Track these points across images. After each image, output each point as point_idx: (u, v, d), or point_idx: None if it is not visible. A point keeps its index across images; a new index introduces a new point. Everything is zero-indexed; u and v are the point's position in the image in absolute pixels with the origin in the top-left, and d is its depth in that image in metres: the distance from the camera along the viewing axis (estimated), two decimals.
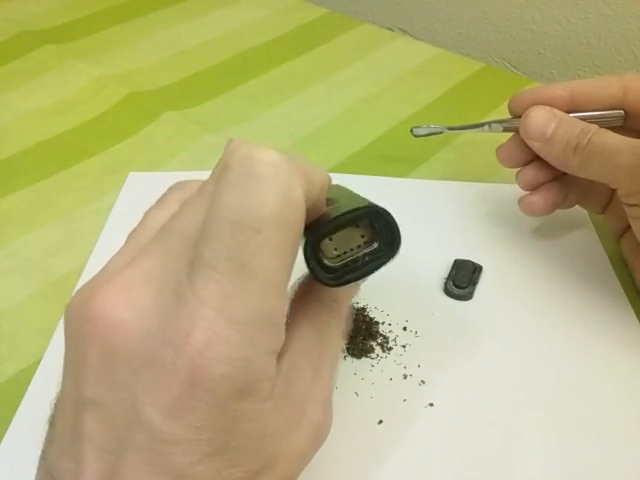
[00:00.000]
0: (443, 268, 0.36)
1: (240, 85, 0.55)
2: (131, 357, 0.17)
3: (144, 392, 0.17)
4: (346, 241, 0.21)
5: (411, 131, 0.36)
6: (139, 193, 0.41)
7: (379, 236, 0.21)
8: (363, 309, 0.34)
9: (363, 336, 0.32)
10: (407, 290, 0.35)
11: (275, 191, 0.17)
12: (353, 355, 0.32)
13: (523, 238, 0.38)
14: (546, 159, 0.33)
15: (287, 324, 0.21)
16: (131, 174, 0.44)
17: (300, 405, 0.20)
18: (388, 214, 0.20)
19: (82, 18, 0.66)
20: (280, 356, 0.20)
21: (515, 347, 0.32)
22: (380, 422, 0.29)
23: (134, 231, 0.22)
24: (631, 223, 0.32)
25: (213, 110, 0.52)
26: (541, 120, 0.32)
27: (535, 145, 0.33)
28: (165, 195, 0.23)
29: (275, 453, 0.19)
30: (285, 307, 0.18)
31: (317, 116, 0.51)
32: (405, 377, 0.31)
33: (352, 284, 0.21)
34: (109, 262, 0.20)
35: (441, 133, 0.36)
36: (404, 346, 0.32)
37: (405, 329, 0.33)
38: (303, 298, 0.22)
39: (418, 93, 0.53)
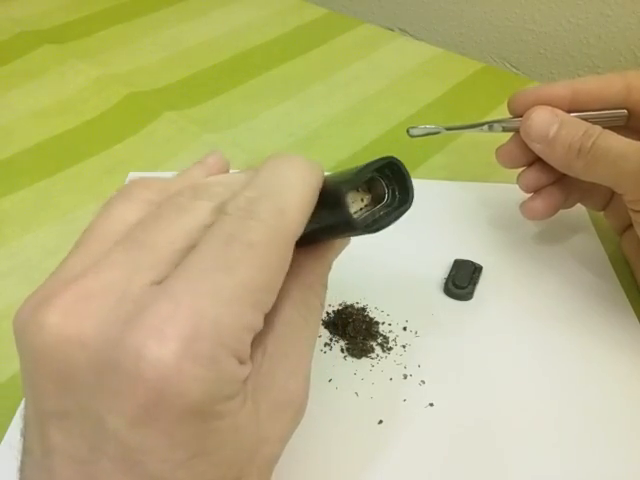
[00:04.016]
0: (443, 268, 0.36)
1: (240, 85, 0.55)
2: (92, 366, 0.16)
3: (109, 401, 0.16)
4: (351, 205, 0.21)
5: (407, 131, 0.35)
6: None
7: (381, 193, 0.22)
8: (363, 309, 0.34)
9: (363, 336, 0.32)
10: (407, 290, 0.35)
11: None
12: (353, 355, 0.32)
13: (523, 238, 0.38)
14: (548, 161, 0.32)
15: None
16: (131, 174, 0.44)
17: (284, 388, 0.20)
18: (401, 162, 0.21)
19: (82, 18, 0.66)
20: (263, 339, 0.20)
21: (515, 347, 0.32)
22: (380, 422, 0.29)
23: (92, 228, 0.20)
24: (636, 229, 0.32)
25: (213, 110, 0.52)
26: (542, 121, 0.31)
27: (537, 147, 0.32)
28: (129, 191, 0.21)
29: (258, 440, 0.19)
30: (257, 318, 0.18)
31: (317, 116, 0.51)
32: (405, 377, 0.31)
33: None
34: (64, 264, 0.19)
35: (438, 133, 0.35)
36: (404, 346, 0.32)
37: (405, 329, 0.33)
38: (288, 283, 0.21)
39: (418, 93, 0.53)
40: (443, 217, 0.40)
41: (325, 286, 0.23)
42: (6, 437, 0.28)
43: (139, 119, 0.50)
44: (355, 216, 0.21)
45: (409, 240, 0.38)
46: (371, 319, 0.33)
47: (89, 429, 0.17)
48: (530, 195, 0.35)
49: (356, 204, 0.21)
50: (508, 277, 0.36)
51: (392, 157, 0.21)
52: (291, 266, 0.21)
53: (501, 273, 0.36)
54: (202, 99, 0.53)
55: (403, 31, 0.75)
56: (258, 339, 0.20)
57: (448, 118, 0.50)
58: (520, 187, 0.35)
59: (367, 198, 0.22)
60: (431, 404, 0.29)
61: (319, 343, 0.32)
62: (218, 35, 0.63)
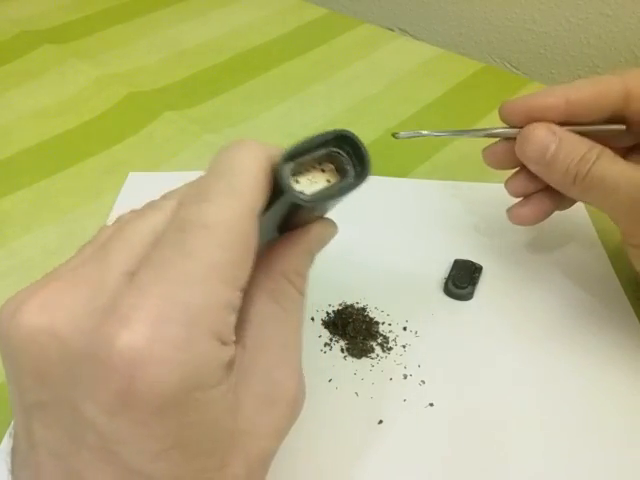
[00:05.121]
0: (443, 268, 0.36)
1: (240, 85, 0.55)
2: (65, 357, 0.17)
3: (84, 390, 0.16)
4: (312, 185, 0.21)
5: (393, 135, 0.32)
6: (139, 193, 0.41)
7: (346, 169, 0.21)
8: (363, 309, 0.34)
9: (363, 336, 0.32)
10: (407, 290, 0.35)
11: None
12: (353, 355, 0.32)
13: (523, 238, 0.38)
14: (546, 181, 0.31)
15: (245, 298, 0.20)
16: (131, 174, 0.44)
17: (270, 380, 0.20)
18: (354, 135, 0.21)
19: (82, 18, 0.66)
20: (241, 332, 0.20)
21: (515, 347, 0.32)
22: (380, 422, 0.29)
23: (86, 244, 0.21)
24: (632, 261, 0.31)
25: (213, 110, 0.52)
26: (540, 142, 0.30)
27: (533, 167, 0.31)
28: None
29: (245, 433, 0.19)
30: (232, 294, 0.18)
31: (317, 116, 0.51)
32: (405, 377, 0.31)
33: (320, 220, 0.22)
34: (52, 271, 0.20)
35: (424, 136, 0.32)
36: (404, 346, 0.32)
37: (405, 329, 0.33)
38: (261, 272, 0.21)
39: (418, 93, 0.53)
40: (443, 217, 0.40)
41: (301, 275, 0.22)
42: (6, 437, 0.28)
43: (139, 119, 0.50)
44: (308, 192, 0.20)
45: (409, 240, 0.39)
46: (371, 319, 0.33)
47: (67, 420, 0.17)
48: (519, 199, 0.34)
49: (319, 184, 0.21)
50: (508, 277, 0.36)
51: (344, 130, 0.21)
52: (264, 255, 0.21)
53: (501, 273, 0.36)
54: (202, 99, 0.53)
55: (403, 31, 0.75)
56: (239, 333, 0.20)
57: (448, 118, 0.50)
58: (508, 193, 0.34)
59: (335, 178, 0.21)
60: (431, 404, 0.29)
61: (319, 343, 0.32)
62: (218, 35, 0.63)
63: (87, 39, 0.62)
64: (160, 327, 0.16)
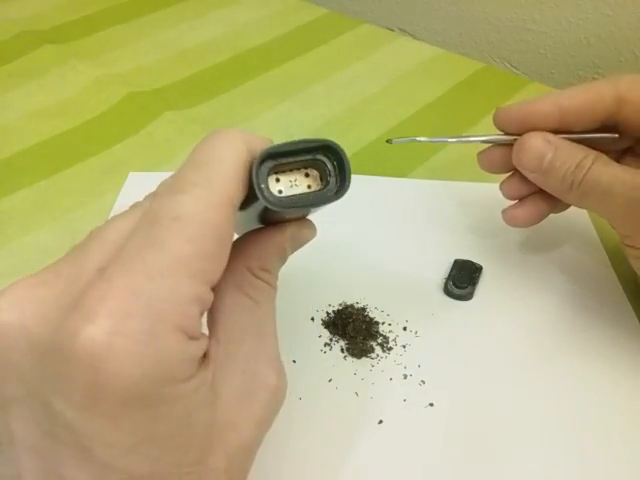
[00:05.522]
0: (443, 268, 0.36)
1: (240, 85, 0.55)
2: (33, 349, 0.17)
3: (52, 384, 0.16)
4: (292, 187, 0.21)
5: (387, 141, 0.32)
6: (139, 193, 0.41)
7: (328, 180, 0.21)
8: (363, 309, 0.34)
9: (363, 336, 0.32)
10: (407, 290, 0.35)
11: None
12: (353, 355, 0.32)
13: (523, 238, 0.39)
14: (544, 189, 0.32)
15: (217, 292, 0.20)
16: (131, 174, 0.44)
17: (248, 371, 0.20)
18: (342, 150, 0.20)
19: (82, 18, 0.66)
20: (214, 325, 0.20)
21: (515, 347, 0.32)
22: (380, 422, 0.29)
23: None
24: (630, 262, 0.31)
25: (213, 110, 0.52)
26: (536, 151, 0.30)
27: (530, 175, 0.31)
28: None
29: (225, 425, 0.19)
30: (199, 288, 0.18)
31: (317, 116, 0.51)
32: (405, 377, 0.31)
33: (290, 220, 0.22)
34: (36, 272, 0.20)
35: (419, 142, 0.32)
36: (404, 346, 0.32)
37: (405, 329, 0.33)
38: (230, 265, 0.20)
39: (418, 93, 0.53)
40: (443, 217, 0.40)
41: (269, 272, 0.22)
42: None
43: (139, 119, 0.50)
44: (284, 194, 0.20)
45: (409, 240, 0.39)
46: (371, 319, 0.33)
47: (40, 415, 0.17)
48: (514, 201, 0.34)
49: (300, 188, 0.21)
50: (508, 277, 0.36)
51: (332, 142, 0.20)
52: (236, 248, 0.21)
53: (501, 273, 0.36)
54: (202, 99, 0.53)
55: (403, 31, 0.75)
56: (212, 327, 0.20)
57: (448, 118, 0.50)
58: (503, 195, 0.34)
59: (317, 186, 0.21)
60: (431, 404, 0.29)
61: (319, 343, 0.32)
62: (218, 35, 0.63)
63: (87, 39, 0.62)
64: (123, 320, 0.16)
